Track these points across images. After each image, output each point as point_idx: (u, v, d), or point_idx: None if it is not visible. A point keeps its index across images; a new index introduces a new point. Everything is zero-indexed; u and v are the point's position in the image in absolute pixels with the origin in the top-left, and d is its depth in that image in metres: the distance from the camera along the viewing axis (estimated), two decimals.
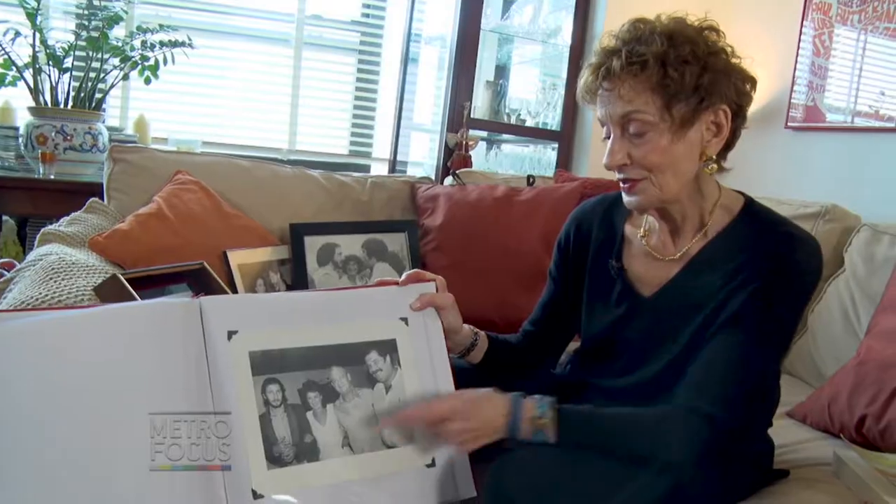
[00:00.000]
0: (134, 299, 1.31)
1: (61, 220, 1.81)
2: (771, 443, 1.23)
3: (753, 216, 1.12)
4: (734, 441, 1.04)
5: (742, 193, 1.17)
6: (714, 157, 1.09)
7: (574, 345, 1.36)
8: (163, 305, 0.99)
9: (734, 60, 1.08)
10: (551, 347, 1.37)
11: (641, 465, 0.98)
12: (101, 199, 2.00)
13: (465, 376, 1.15)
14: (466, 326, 1.22)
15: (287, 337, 1.03)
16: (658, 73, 1.02)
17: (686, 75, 1.02)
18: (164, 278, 1.54)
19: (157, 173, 2.00)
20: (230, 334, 0.98)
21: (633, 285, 1.19)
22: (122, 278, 1.34)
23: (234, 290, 1.76)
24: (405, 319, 1.11)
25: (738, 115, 1.09)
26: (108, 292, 1.33)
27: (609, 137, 1.09)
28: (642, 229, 1.21)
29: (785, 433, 1.44)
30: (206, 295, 1.02)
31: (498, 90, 3.43)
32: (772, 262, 1.04)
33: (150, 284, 1.48)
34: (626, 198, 1.13)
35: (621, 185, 1.12)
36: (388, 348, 1.09)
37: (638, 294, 1.18)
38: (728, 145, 1.11)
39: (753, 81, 1.10)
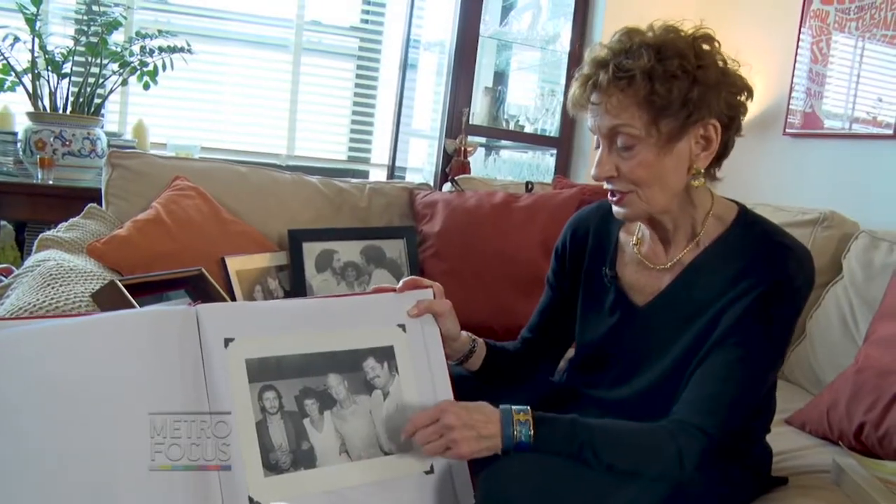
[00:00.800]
0: (132, 306, 1.31)
1: (59, 226, 1.81)
2: (769, 450, 1.23)
3: (746, 226, 1.12)
4: (728, 449, 1.05)
5: (736, 202, 1.16)
6: (702, 170, 1.07)
7: (572, 352, 1.34)
8: (160, 313, 0.99)
9: (731, 67, 1.06)
10: (549, 355, 1.37)
11: (627, 477, 0.98)
12: (100, 204, 1.99)
13: (463, 383, 1.14)
14: (464, 333, 1.21)
15: (284, 344, 1.03)
16: (645, 88, 1.01)
17: (674, 90, 1.00)
18: (162, 284, 1.54)
19: (156, 179, 2.00)
20: (227, 342, 0.98)
21: (627, 294, 1.19)
22: (119, 284, 1.33)
23: (233, 297, 1.76)
24: (402, 326, 1.11)
25: (730, 128, 1.08)
26: (106, 299, 1.33)
27: (600, 147, 1.09)
28: (635, 237, 1.20)
29: (783, 440, 1.44)
30: (205, 301, 1.03)
31: (496, 96, 3.43)
32: (765, 275, 1.04)
33: (148, 291, 1.48)
34: (614, 208, 1.12)
35: (609, 196, 1.12)
36: (385, 355, 1.08)
37: (631, 303, 1.18)
38: (720, 156, 1.10)
39: (749, 91, 1.08)
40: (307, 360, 1.03)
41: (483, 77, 3.39)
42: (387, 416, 1.06)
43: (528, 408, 1.00)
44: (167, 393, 0.93)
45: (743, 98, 1.08)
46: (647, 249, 1.18)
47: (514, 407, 1.01)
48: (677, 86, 1.01)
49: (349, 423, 1.04)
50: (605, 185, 1.11)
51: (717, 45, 1.07)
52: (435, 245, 2.13)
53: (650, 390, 1.13)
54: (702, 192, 1.11)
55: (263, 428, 0.97)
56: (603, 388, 1.20)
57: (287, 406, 1.00)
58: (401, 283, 1.14)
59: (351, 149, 3.52)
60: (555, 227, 1.88)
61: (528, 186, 2.36)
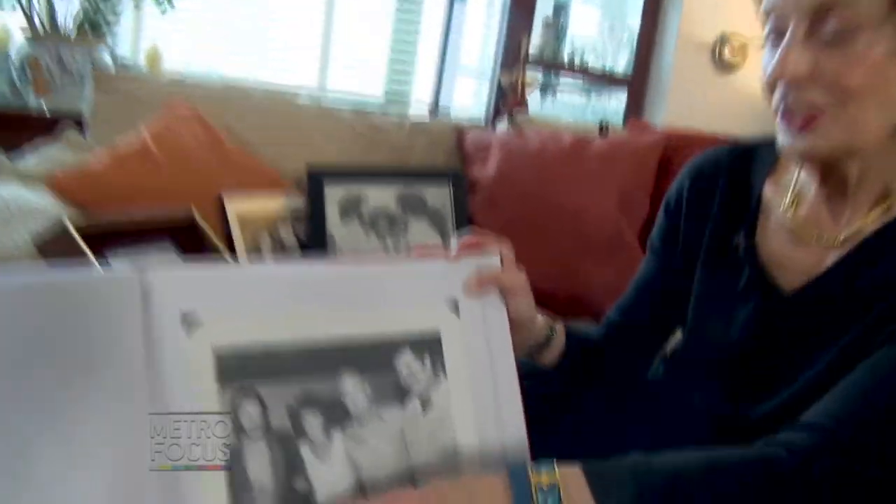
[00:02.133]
0: (86, 258, 1.03)
1: (22, 153, 1.59)
2: None
3: None
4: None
5: None
6: None
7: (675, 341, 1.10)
8: (94, 281, 0.70)
9: None
10: (646, 345, 1.12)
11: None
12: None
13: (532, 384, 0.85)
14: (540, 316, 0.93)
15: (275, 329, 0.73)
16: None
17: None
18: (140, 232, 1.30)
19: (150, 105, 1.81)
20: (189, 324, 0.69)
21: (769, 274, 0.93)
22: (72, 230, 1.07)
23: (232, 248, 1.53)
24: (455, 304, 0.81)
25: None
26: (54, 248, 1.08)
27: (772, 37, 0.80)
28: (790, 193, 0.92)
29: None
30: (196, 254, 0.80)
31: (557, 30, 3.22)
32: None
33: (119, 239, 1.24)
34: (786, 139, 0.82)
35: (781, 117, 0.81)
36: (428, 347, 0.79)
37: (774, 286, 0.92)
38: None
39: None
40: (310, 352, 0.74)
41: (540, 8, 3.15)
42: (427, 437, 0.77)
43: (553, 462, 0.70)
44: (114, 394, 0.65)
45: None
46: (807, 212, 0.90)
47: (530, 467, 0.70)
48: None
49: (370, 447, 0.74)
50: (778, 100, 0.80)
51: None
52: (487, 193, 1.96)
53: (797, 407, 0.82)
54: None
55: (237, 457, 0.67)
56: (722, 399, 0.95)
57: (275, 422, 0.70)
58: (456, 242, 0.83)
59: (389, 85, 3.38)
60: (635, 177, 1.83)
61: (603, 128, 2.16)
